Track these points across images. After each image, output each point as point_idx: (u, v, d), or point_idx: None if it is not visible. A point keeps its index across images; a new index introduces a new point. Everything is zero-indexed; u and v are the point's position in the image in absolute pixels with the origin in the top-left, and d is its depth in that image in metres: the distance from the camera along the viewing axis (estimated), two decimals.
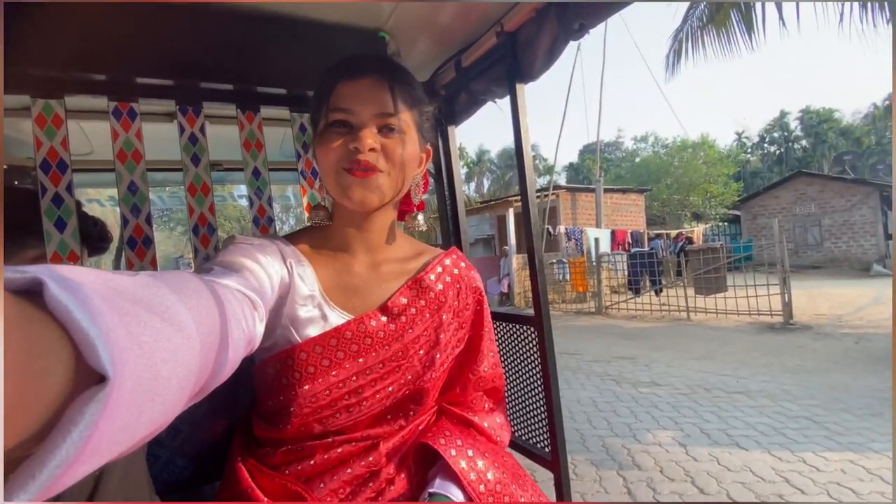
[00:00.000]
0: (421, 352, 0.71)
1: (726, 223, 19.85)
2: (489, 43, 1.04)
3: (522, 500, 0.70)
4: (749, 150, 32.61)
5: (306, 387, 0.65)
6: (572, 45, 0.91)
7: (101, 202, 1.97)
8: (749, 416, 3.14)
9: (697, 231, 13.33)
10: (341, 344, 0.67)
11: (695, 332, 6.48)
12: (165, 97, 0.98)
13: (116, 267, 0.96)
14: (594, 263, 9.56)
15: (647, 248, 10.45)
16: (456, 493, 0.66)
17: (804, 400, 3.42)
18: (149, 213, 0.96)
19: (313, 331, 0.67)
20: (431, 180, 1.30)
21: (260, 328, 0.53)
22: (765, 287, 6.70)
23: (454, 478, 0.67)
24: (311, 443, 0.68)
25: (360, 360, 0.68)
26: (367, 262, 0.73)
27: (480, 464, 0.69)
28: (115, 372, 0.22)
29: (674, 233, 12.96)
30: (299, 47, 1.06)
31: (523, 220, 1.01)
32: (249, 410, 0.80)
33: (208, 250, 0.99)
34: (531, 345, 1.03)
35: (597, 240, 9.95)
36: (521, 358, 1.06)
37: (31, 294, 0.21)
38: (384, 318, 0.70)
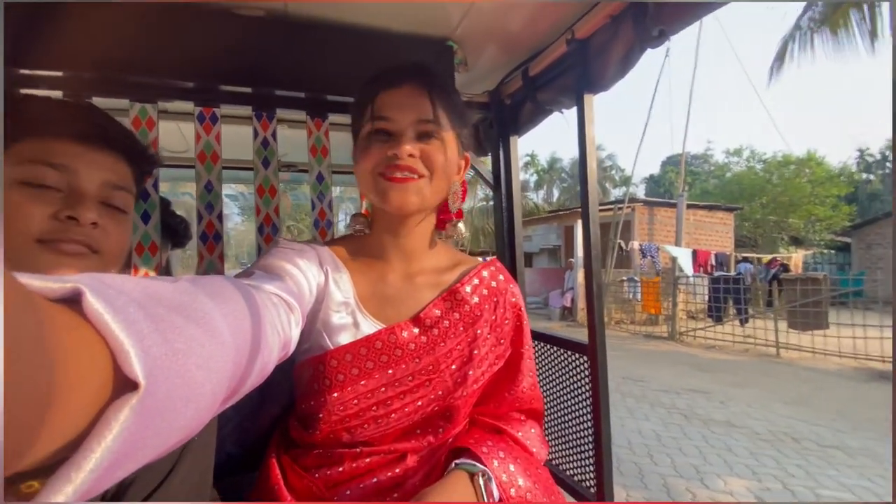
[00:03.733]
0: (453, 367, 0.69)
1: (833, 251, 17.60)
2: (559, 51, 1.00)
3: None
4: (868, 169, 28.68)
5: (335, 394, 0.66)
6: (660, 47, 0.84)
7: (192, 195, 2.17)
8: (845, 477, 2.73)
9: (796, 257, 11.92)
10: (371, 353, 0.67)
11: (785, 372, 5.78)
12: (244, 103, 1.05)
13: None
14: (670, 284, 8.91)
15: (733, 273, 9.55)
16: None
17: None
18: (220, 211, 1.03)
19: (345, 338, 0.67)
20: (484, 189, 1.27)
21: (296, 332, 0.53)
22: (877, 328, 5.82)
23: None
24: (340, 450, 0.69)
25: (390, 371, 0.67)
26: (402, 272, 0.72)
27: (512, 467, 0.66)
28: (148, 379, 0.22)
29: (767, 257, 11.71)
30: (368, 57, 1.08)
31: (583, 238, 0.95)
32: (290, 409, 0.82)
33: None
34: (582, 374, 0.96)
35: (675, 259, 9.27)
36: (571, 387, 0.99)
37: (73, 302, 0.22)
38: (416, 330, 0.69)
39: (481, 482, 0.62)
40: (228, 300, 0.36)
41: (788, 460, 2.97)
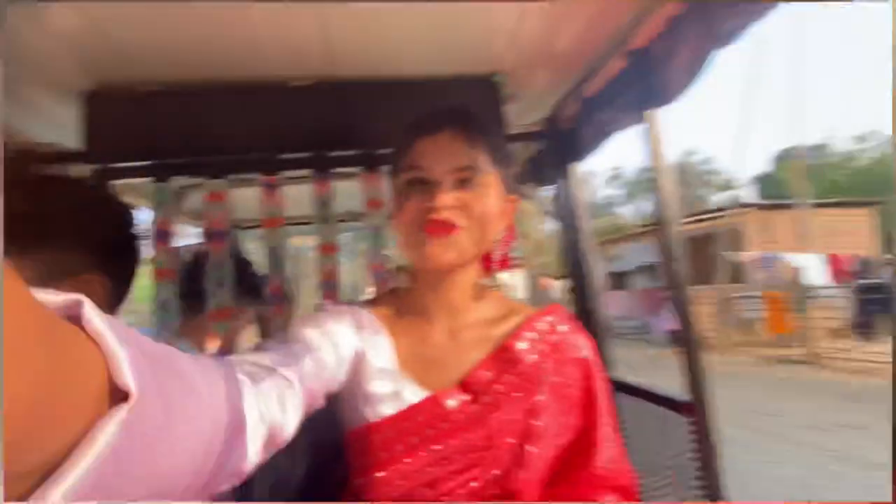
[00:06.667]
0: (509, 440, 0.60)
1: None
2: (616, 66, 0.90)
3: None
4: None
5: (380, 473, 0.60)
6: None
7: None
8: None
9: None
10: (415, 426, 0.60)
11: None
12: (302, 167, 1.10)
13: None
14: (801, 298, 7.66)
15: (882, 279, 7.97)
16: None
17: None
18: (286, 274, 1.06)
19: (387, 409, 0.61)
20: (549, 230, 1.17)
21: (292, 416, 0.47)
22: None
23: None
24: None
25: (437, 446, 0.59)
26: (446, 329, 0.65)
27: None
28: (138, 391, 0.23)
29: None
30: (415, 105, 1.07)
31: (664, 261, 0.82)
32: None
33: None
34: (683, 439, 0.79)
35: (801, 269, 8.01)
36: (668, 456, 0.83)
37: (70, 317, 0.23)
38: (464, 397, 0.61)
39: None
40: (209, 372, 0.35)
41: None
